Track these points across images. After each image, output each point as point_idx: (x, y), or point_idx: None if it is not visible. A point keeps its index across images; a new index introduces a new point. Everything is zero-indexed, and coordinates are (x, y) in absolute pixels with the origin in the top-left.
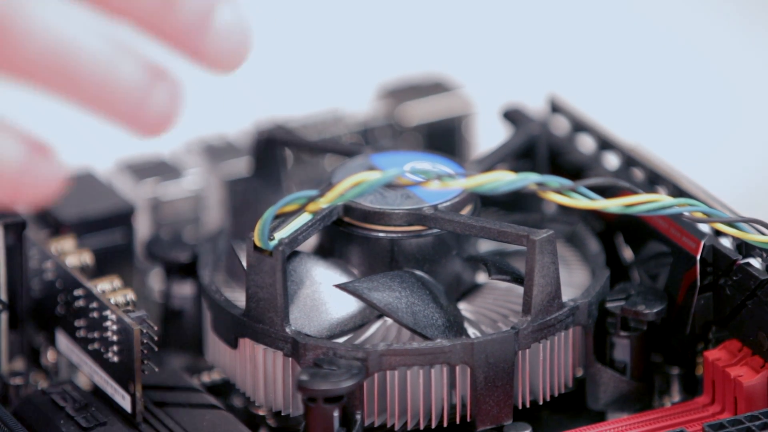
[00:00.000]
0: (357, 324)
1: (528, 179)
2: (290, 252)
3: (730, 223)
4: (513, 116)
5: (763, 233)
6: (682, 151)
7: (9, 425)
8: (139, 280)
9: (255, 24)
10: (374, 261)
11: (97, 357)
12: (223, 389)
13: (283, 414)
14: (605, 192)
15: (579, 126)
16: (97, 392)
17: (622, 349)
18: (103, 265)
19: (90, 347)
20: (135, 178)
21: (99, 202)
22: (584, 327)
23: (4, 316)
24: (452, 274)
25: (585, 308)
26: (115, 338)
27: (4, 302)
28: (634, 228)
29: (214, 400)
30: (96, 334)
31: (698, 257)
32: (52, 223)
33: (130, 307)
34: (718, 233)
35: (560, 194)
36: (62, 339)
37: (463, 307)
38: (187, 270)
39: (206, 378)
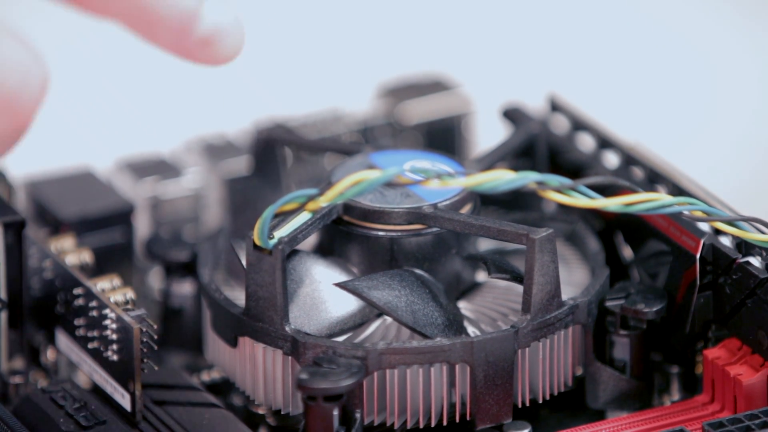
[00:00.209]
0: (357, 323)
1: (528, 178)
2: (290, 251)
3: (730, 222)
4: (512, 115)
5: (762, 232)
6: (681, 150)
7: (9, 424)
8: (138, 278)
9: (255, 23)
10: (374, 260)
11: (97, 356)
12: (223, 388)
13: (282, 412)
14: (605, 191)
15: (578, 125)
16: (96, 391)
17: (621, 347)
18: (102, 264)
19: (90, 346)
20: (135, 177)
21: (99, 200)
22: (584, 326)
23: (4, 314)
24: (452, 273)
25: (585, 307)
26: (114, 337)
27: (4, 301)
28: (634, 227)
29: (213, 399)
30: (96, 333)
31: (698, 256)
32: (51, 221)
33: (129, 306)
34: (717, 232)
35: (560, 193)
36: (62, 338)
37: (463, 305)
38: (187, 269)
39: (206, 377)
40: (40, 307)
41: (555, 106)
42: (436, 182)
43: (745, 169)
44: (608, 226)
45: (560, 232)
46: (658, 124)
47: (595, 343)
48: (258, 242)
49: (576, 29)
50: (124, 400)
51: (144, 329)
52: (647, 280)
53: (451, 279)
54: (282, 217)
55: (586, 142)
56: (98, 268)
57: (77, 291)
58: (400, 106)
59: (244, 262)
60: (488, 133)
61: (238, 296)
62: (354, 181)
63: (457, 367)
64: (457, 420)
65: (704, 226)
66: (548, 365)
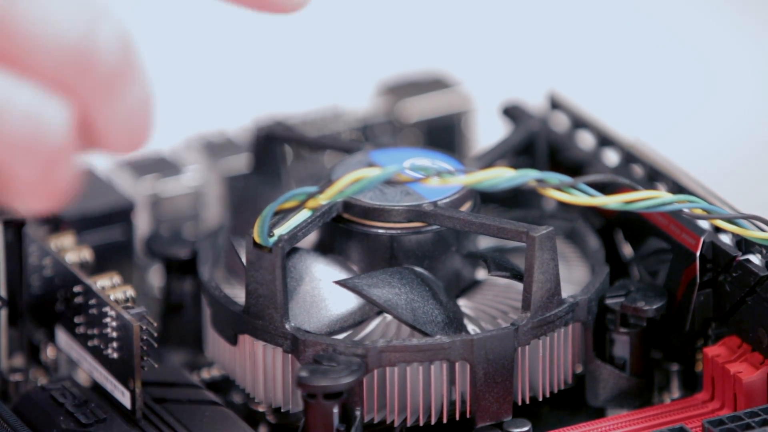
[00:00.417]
0: (356, 320)
1: (528, 176)
2: (290, 248)
3: (730, 220)
4: (512, 113)
5: (762, 229)
6: (681, 148)
7: (9, 422)
8: (138, 276)
9: (255, 22)
10: (374, 257)
11: (97, 353)
12: (223, 385)
13: (282, 410)
14: (605, 188)
15: (578, 122)
16: (96, 388)
17: (621, 345)
18: (102, 262)
19: (89, 343)
20: (134, 175)
21: (98, 198)
22: (584, 323)
23: (4, 312)
24: (452, 271)
25: (584, 305)
26: (114, 335)
27: (4, 299)
28: (634, 224)
29: (213, 397)
30: (96, 331)
31: (698, 254)
32: (51, 219)
33: (129, 304)
34: (717, 230)
35: (560, 191)
36: (62, 335)
37: (463, 303)
38: (187, 266)
39: (206, 374)
40: (40, 305)
41: (555, 104)
42: (436, 180)
43: (745, 166)
44: (608, 223)
45: (560, 229)
46: (658, 122)
47: (595, 341)
48: (258, 240)
49: (576, 27)
50: (124, 397)
51: (144, 327)
52: (647, 277)
53: (451, 277)
54: (282, 214)
55: (586, 140)
56: (98, 266)
57: (77, 289)
58: (400, 103)
59: (244, 260)
60: (488, 130)
61: (238, 294)
62: (354, 179)
63: (457, 364)
64: (457, 418)
65: (704, 224)
66: (548, 363)
